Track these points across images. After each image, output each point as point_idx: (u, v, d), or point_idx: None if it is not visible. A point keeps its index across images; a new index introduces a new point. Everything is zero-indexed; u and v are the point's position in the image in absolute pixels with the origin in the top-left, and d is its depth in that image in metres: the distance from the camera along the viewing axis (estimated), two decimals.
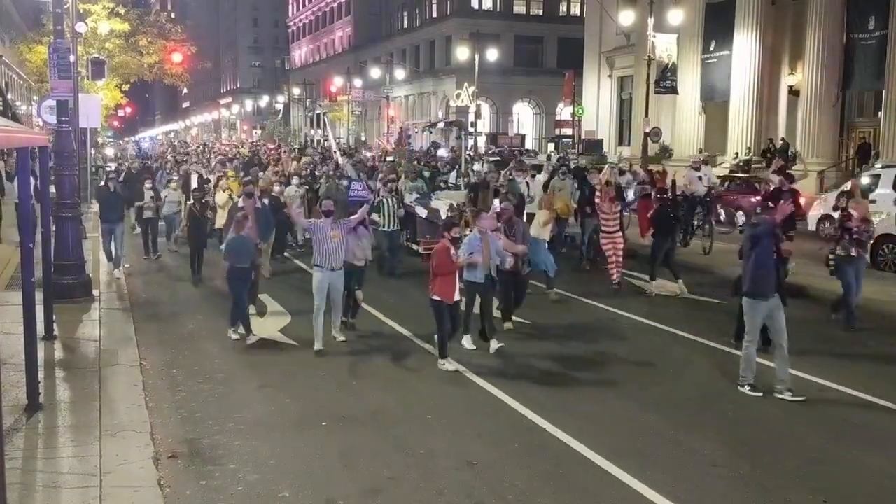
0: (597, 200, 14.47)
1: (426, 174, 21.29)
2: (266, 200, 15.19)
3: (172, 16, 62.64)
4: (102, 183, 16.63)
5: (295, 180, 18.96)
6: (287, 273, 15.73)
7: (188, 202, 16.81)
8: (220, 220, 16.02)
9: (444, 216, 15.76)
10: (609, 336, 11.34)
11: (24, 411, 7.52)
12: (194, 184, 18.59)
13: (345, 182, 17.98)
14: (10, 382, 8.10)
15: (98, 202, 15.91)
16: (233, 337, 10.56)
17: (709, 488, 6.48)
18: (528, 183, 17.58)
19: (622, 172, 20.50)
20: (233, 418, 7.87)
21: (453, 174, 23.10)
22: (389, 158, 28.54)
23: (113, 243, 14.93)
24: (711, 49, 32.33)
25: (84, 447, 6.86)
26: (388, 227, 15.33)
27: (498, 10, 63.02)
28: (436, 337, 9.62)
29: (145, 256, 16.94)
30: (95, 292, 12.74)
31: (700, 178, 19.01)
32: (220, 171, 23.45)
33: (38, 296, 8.59)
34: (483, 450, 7.15)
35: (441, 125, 24.28)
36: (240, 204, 13.65)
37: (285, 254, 17.23)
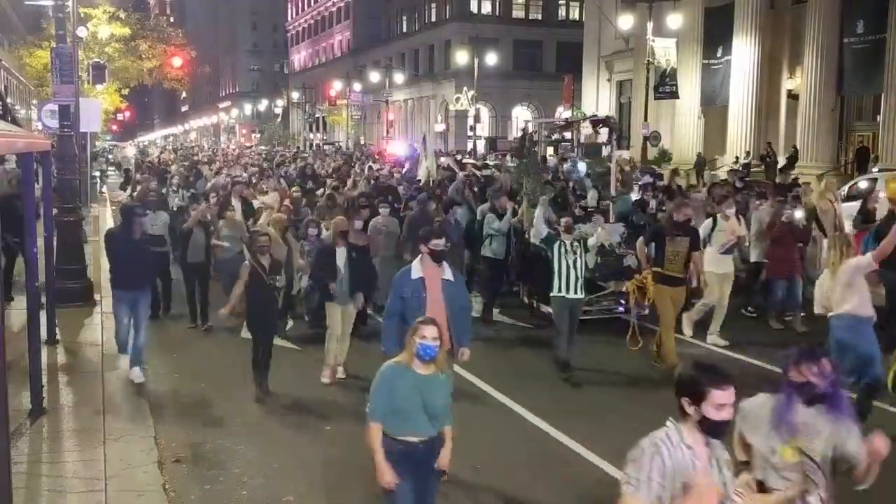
0: None
1: (556, 198, 14.49)
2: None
3: (171, 20, 62.83)
4: (119, 225, 9.81)
5: (385, 210, 12.51)
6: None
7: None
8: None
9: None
10: None
11: (28, 416, 7.53)
12: (238, 215, 12.55)
13: (458, 212, 12.54)
14: (14, 387, 8.11)
15: (113, 258, 9.32)
16: None
17: None
18: (740, 216, 11.44)
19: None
20: (236, 422, 7.88)
21: (592, 195, 16.41)
22: (463, 173, 19.66)
23: (132, 324, 9.07)
24: (710, 53, 32.42)
25: (88, 451, 6.88)
26: (571, 292, 9.24)
27: (497, 14, 63.15)
28: None
29: (192, 325, 11.57)
30: (97, 296, 12.74)
31: None
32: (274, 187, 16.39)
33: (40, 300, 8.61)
34: (488, 455, 7.17)
35: (586, 123, 16.99)
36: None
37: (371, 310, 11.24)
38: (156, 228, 11.27)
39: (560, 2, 63.41)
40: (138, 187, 17.09)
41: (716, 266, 10.64)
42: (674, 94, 32.74)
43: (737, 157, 29.96)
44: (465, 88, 49.59)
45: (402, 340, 5.68)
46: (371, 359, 8.51)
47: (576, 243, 9.29)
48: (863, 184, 19.72)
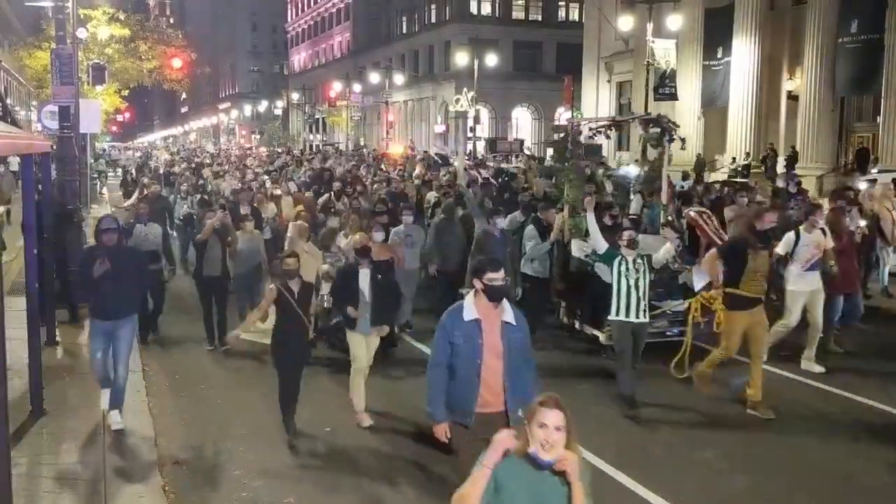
0: None
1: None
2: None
3: (171, 21, 62.90)
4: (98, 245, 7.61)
5: (409, 217, 11.38)
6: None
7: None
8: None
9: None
10: None
11: (29, 417, 7.53)
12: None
13: (499, 222, 10.76)
14: (14, 388, 8.10)
15: (84, 279, 7.61)
16: None
17: None
18: (824, 229, 9.82)
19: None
20: (236, 424, 7.87)
21: (635, 201, 14.73)
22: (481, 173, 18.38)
23: (112, 358, 7.57)
24: (710, 54, 32.45)
25: (88, 453, 6.88)
26: (633, 315, 8.10)
27: (497, 15, 63.16)
28: None
29: (210, 347, 10.48)
30: None
31: None
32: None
33: None
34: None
35: (636, 123, 15.09)
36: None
37: (398, 331, 10.47)
38: (147, 243, 10.23)
39: (560, 3, 63.43)
40: (146, 192, 15.54)
41: (802, 284, 9.42)
42: (673, 96, 32.78)
43: (734, 158, 29.98)
44: (465, 89, 49.54)
45: (451, 398, 5.15)
46: (399, 391, 8.49)
47: (639, 260, 8.10)
48: (863, 185, 19.70)
